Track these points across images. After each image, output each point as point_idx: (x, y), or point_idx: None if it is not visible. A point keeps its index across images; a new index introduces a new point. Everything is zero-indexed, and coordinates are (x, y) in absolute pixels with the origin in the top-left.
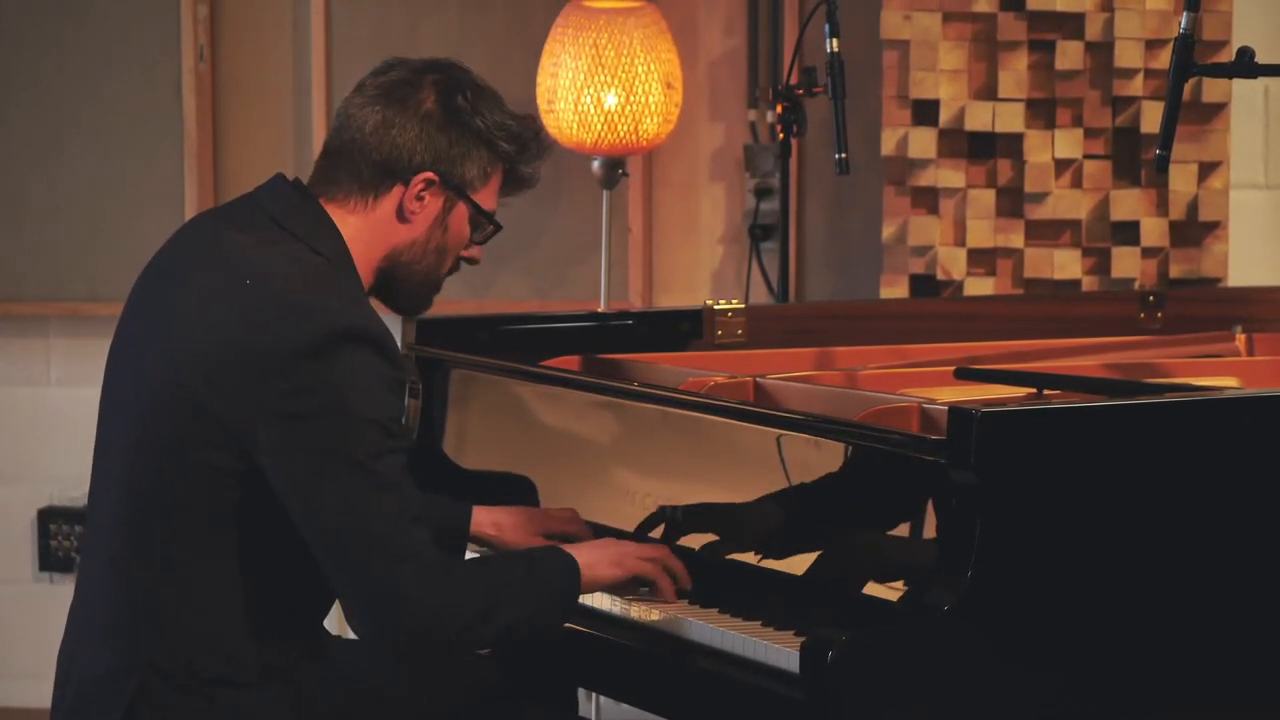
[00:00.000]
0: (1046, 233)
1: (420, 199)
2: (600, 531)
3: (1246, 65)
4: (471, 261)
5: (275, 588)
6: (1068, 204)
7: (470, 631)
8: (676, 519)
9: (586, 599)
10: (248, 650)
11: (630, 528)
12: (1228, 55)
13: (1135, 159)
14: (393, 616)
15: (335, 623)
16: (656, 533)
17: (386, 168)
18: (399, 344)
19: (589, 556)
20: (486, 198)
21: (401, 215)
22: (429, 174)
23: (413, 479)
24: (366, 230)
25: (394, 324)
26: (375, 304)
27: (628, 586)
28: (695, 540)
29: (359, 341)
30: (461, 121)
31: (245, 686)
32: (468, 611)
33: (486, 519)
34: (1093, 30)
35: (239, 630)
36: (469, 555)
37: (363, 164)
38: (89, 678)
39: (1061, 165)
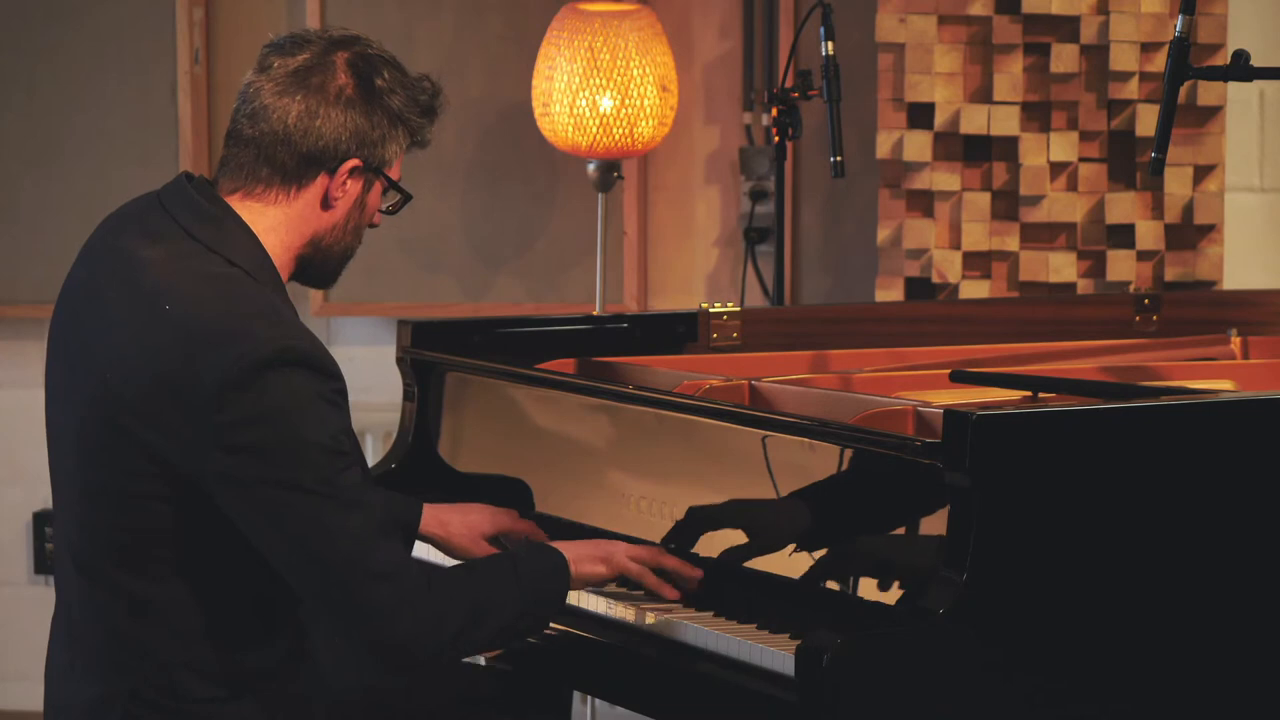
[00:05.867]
0: (1042, 236)
1: (344, 185)
2: (595, 535)
3: (1242, 68)
4: (371, 225)
5: (239, 598)
6: (1063, 207)
7: (456, 643)
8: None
9: (581, 602)
10: (227, 664)
11: (626, 531)
12: (1223, 58)
13: (1130, 162)
14: (378, 637)
15: None
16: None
17: (313, 159)
18: (395, 346)
19: (575, 552)
20: (397, 170)
21: (326, 203)
22: (355, 160)
23: (374, 486)
24: (286, 221)
25: (389, 326)
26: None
27: (625, 587)
28: (691, 544)
29: (287, 364)
30: (381, 104)
31: (230, 700)
32: (452, 623)
33: (432, 518)
34: (1088, 33)
35: (214, 646)
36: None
37: (287, 157)
38: (75, 705)
39: (1057, 168)
